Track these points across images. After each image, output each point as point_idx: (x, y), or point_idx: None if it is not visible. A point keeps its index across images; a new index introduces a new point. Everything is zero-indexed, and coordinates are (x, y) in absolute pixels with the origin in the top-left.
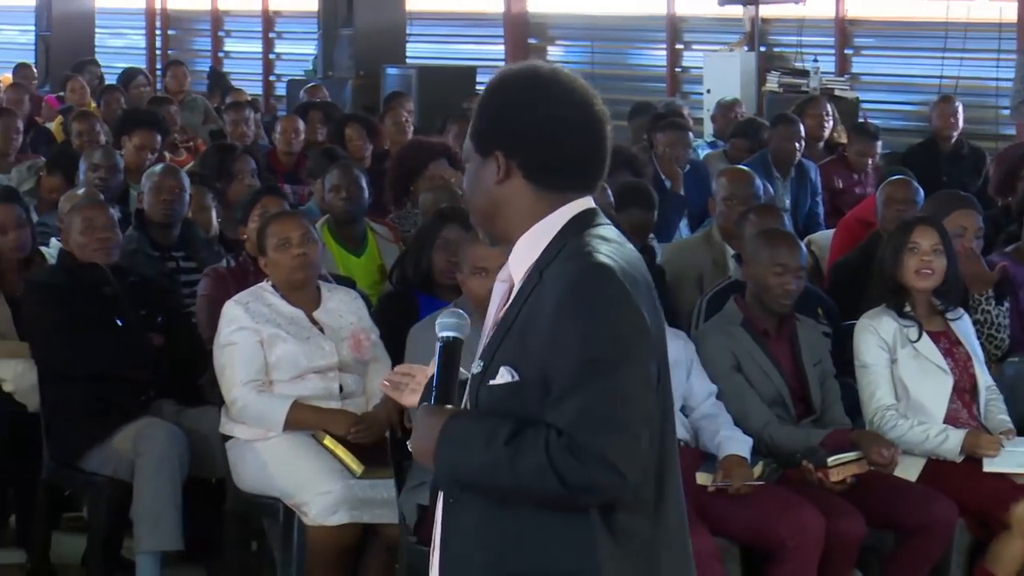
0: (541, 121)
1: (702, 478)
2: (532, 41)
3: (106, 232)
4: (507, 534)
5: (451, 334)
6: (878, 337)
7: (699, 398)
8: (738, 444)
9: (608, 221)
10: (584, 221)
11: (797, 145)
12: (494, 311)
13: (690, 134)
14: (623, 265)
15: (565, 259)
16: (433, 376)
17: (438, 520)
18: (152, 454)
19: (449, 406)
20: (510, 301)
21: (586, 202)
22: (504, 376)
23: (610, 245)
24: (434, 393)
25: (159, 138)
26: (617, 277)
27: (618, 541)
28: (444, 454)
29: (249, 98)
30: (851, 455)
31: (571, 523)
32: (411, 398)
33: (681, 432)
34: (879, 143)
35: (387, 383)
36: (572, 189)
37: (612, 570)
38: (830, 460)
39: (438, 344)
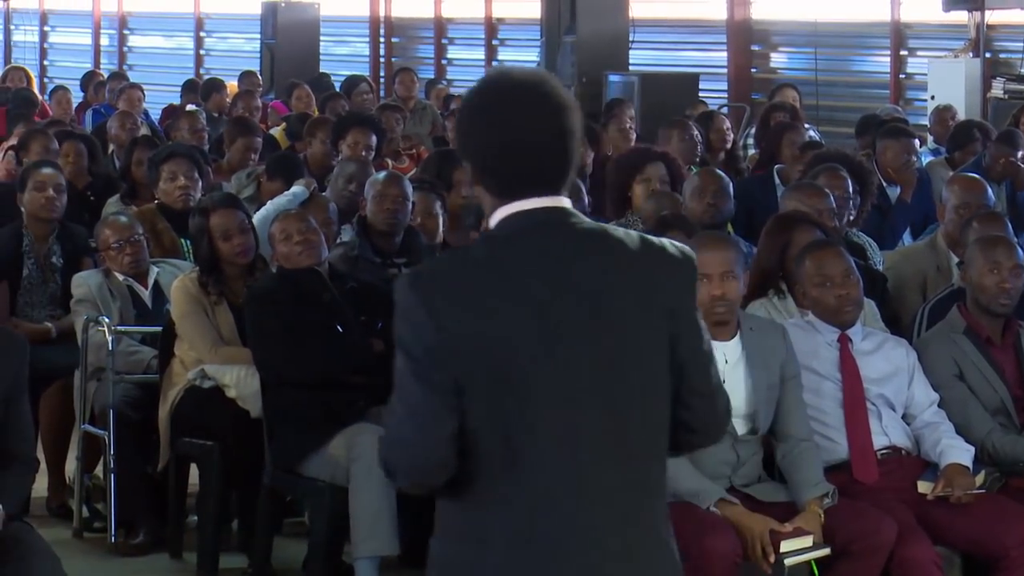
0: (476, 133)
1: (923, 487)
2: (755, 48)
3: (303, 235)
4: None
5: None
6: None
7: (921, 406)
8: (960, 452)
9: (543, 220)
10: (506, 223)
11: (1014, 160)
12: None
13: (916, 141)
14: (437, 270)
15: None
16: None
17: None
18: (365, 459)
19: None
20: None
21: (529, 203)
22: None
23: (464, 249)
24: None
25: (374, 137)
26: (409, 288)
27: (465, 513)
28: None
29: None
30: None
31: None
32: None
33: (903, 440)
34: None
35: None
36: (515, 194)
37: (451, 541)
38: None
39: None
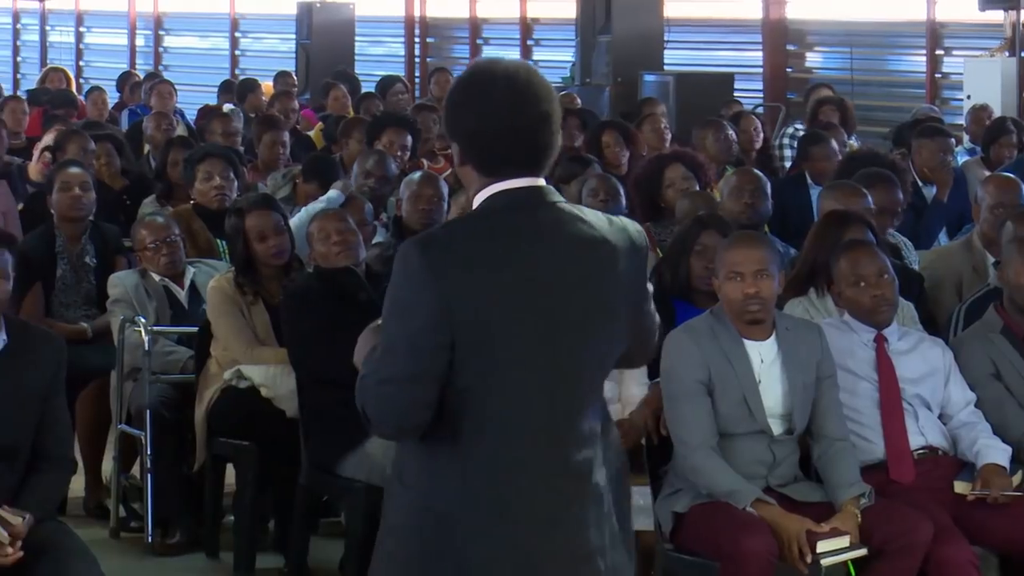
0: (470, 118)
1: (960, 487)
2: (790, 47)
3: (341, 235)
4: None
5: None
6: None
7: (957, 406)
8: (997, 453)
9: (527, 198)
10: (498, 197)
11: None
12: None
13: (951, 140)
14: (444, 237)
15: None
16: None
17: None
18: None
19: None
20: None
21: (514, 182)
22: None
23: (467, 222)
24: None
25: (409, 137)
26: (414, 251)
27: (433, 461)
28: None
29: None
30: None
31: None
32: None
33: (939, 440)
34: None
35: None
36: (500, 174)
37: (427, 485)
38: None
39: None
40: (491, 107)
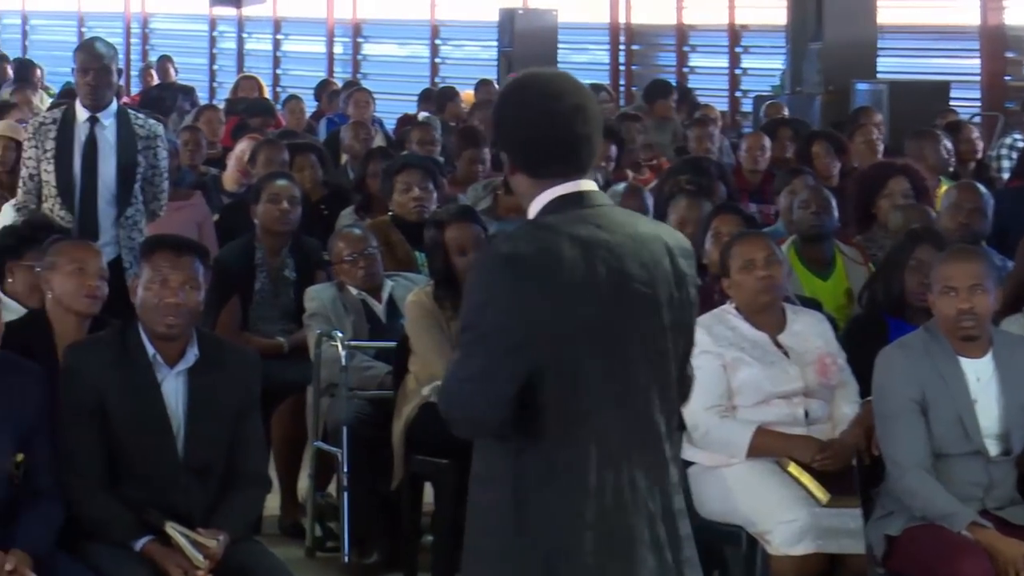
0: (512, 124)
1: None
2: (1009, 55)
3: None
4: None
5: None
6: None
7: None
8: None
9: (586, 204)
10: (557, 204)
11: None
12: None
13: None
14: (528, 252)
15: (496, 240)
16: None
17: None
18: None
19: None
20: None
21: (568, 187)
22: None
23: (541, 231)
24: None
25: (614, 148)
26: (497, 263)
27: (519, 459)
28: None
29: (718, 115)
30: None
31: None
32: None
33: None
34: None
35: None
36: (553, 176)
37: (513, 482)
38: None
39: None
40: (526, 110)
